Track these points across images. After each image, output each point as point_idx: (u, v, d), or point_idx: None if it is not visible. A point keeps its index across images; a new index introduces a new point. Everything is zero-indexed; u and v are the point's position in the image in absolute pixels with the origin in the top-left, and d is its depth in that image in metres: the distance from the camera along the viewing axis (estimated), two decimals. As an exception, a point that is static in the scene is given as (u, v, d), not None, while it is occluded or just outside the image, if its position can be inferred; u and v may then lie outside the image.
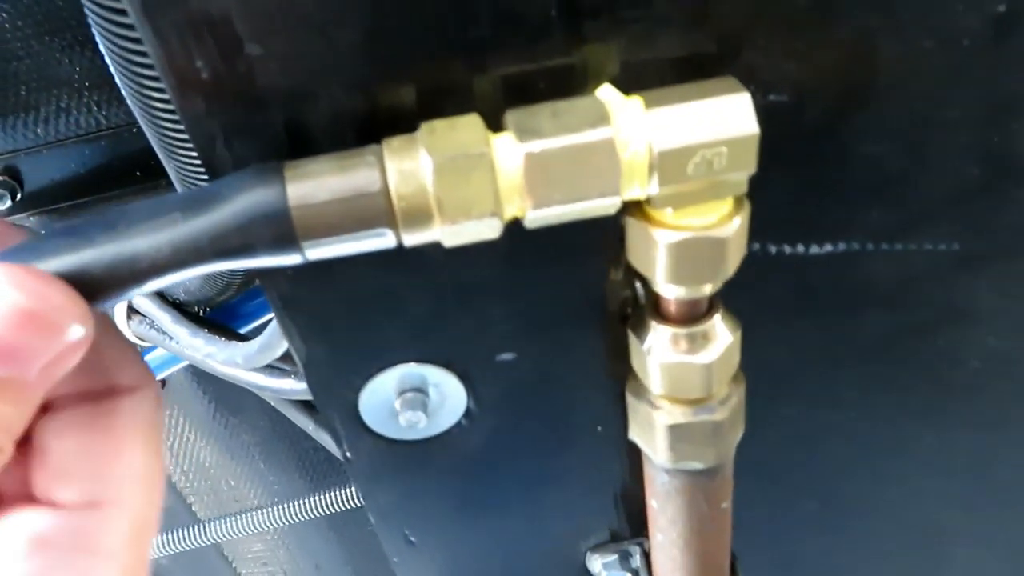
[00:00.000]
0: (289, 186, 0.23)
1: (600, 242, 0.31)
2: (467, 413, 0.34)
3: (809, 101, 0.27)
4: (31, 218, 0.85)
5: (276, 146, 0.26)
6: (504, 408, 0.35)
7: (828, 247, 0.31)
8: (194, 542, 0.99)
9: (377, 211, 0.23)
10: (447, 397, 0.34)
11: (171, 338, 0.60)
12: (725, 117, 0.24)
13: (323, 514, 0.98)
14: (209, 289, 0.56)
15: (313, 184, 0.23)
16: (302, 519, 0.99)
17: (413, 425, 0.33)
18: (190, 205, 0.23)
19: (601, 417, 0.36)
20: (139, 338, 0.63)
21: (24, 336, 0.22)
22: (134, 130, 0.82)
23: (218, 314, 0.62)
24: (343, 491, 0.97)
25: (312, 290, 0.29)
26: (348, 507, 0.96)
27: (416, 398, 0.33)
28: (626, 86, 0.25)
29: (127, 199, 0.85)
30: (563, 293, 0.32)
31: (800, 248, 0.31)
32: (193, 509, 1.16)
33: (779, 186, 0.29)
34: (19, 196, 0.83)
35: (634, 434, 0.33)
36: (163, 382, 0.71)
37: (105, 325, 0.26)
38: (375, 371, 0.32)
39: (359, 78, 0.25)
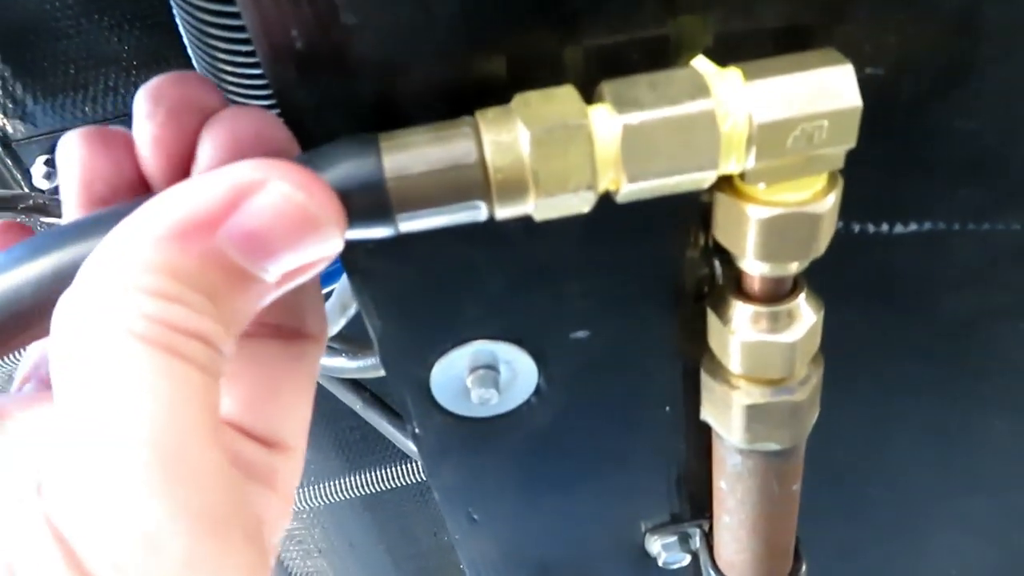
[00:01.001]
0: (385, 157, 0.23)
1: (678, 219, 0.30)
2: (537, 391, 0.34)
3: (907, 74, 0.26)
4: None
5: (366, 117, 0.26)
6: (574, 386, 0.34)
7: (913, 226, 0.31)
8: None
9: (473, 183, 0.23)
10: (518, 374, 0.34)
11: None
12: (827, 89, 0.23)
13: (361, 494, 0.99)
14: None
15: (409, 155, 0.23)
16: (339, 499, 1.00)
17: (485, 402, 0.33)
18: None
19: (670, 397, 0.36)
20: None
21: (286, 233, 0.20)
22: (180, 110, 0.82)
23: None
24: (380, 471, 0.98)
25: (390, 264, 0.29)
26: (386, 487, 0.97)
27: (488, 375, 0.33)
28: (720, 58, 0.25)
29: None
30: (639, 271, 0.31)
31: (884, 227, 0.31)
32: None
33: (867, 162, 0.28)
34: (67, 175, 0.84)
35: (707, 414, 0.33)
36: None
37: None
38: (449, 347, 0.32)
39: (453, 49, 0.25)
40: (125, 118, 0.82)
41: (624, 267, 0.31)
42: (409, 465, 0.98)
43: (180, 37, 0.81)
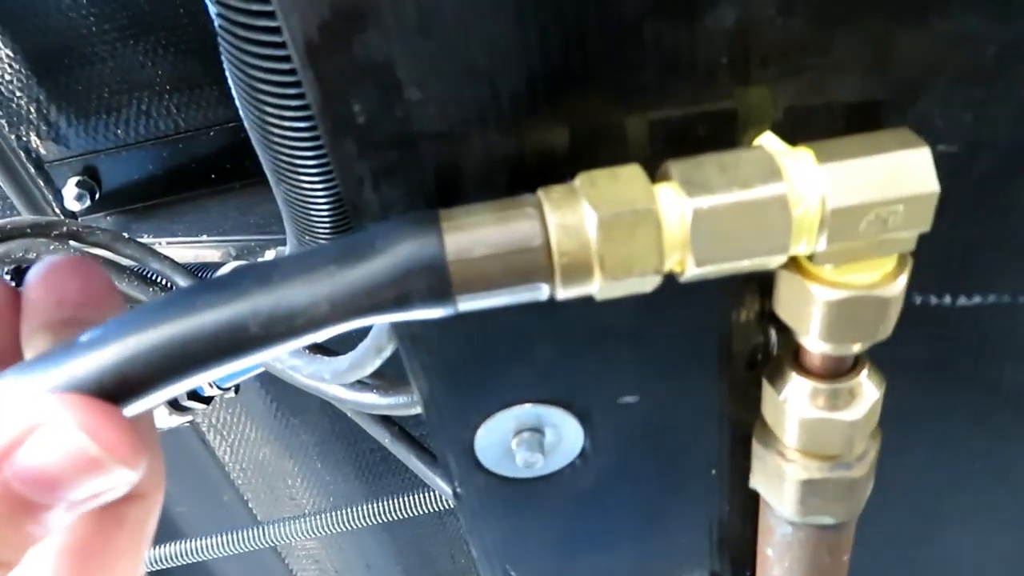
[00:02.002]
0: (447, 238, 0.22)
1: (735, 286, 0.30)
2: (582, 453, 0.34)
3: (980, 152, 0.26)
4: (108, 217, 0.87)
5: (424, 189, 0.25)
6: (620, 449, 0.34)
7: (977, 299, 0.30)
8: (252, 544, 1.00)
9: (536, 266, 0.23)
10: (563, 438, 0.33)
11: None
12: (903, 174, 0.23)
13: (382, 521, 0.98)
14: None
15: (472, 236, 0.22)
16: (360, 525, 0.99)
17: (530, 465, 0.33)
18: (345, 256, 0.23)
19: (716, 460, 0.35)
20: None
21: (70, 472, 0.21)
22: (211, 133, 0.83)
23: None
24: (400, 498, 0.97)
25: (442, 331, 0.29)
26: (407, 515, 0.96)
27: (533, 438, 0.32)
28: (788, 132, 0.24)
29: (201, 201, 0.86)
30: (692, 337, 0.31)
31: (947, 299, 0.30)
32: (249, 506, 1.18)
33: (934, 236, 0.28)
34: (97, 196, 0.84)
35: (757, 483, 0.32)
36: (236, 388, 0.71)
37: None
38: (495, 410, 0.32)
39: (515, 123, 0.24)
40: (155, 142, 0.82)
41: (676, 333, 0.30)
42: (429, 493, 0.97)
43: (213, 64, 0.81)
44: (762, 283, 0.29)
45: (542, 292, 0.23)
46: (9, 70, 0.77)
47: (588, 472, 0.34)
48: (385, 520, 0.99)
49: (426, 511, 0.96)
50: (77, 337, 0.22)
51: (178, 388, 0.23)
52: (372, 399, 0.56)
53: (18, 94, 0.78)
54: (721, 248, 0.23)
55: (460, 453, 0.33)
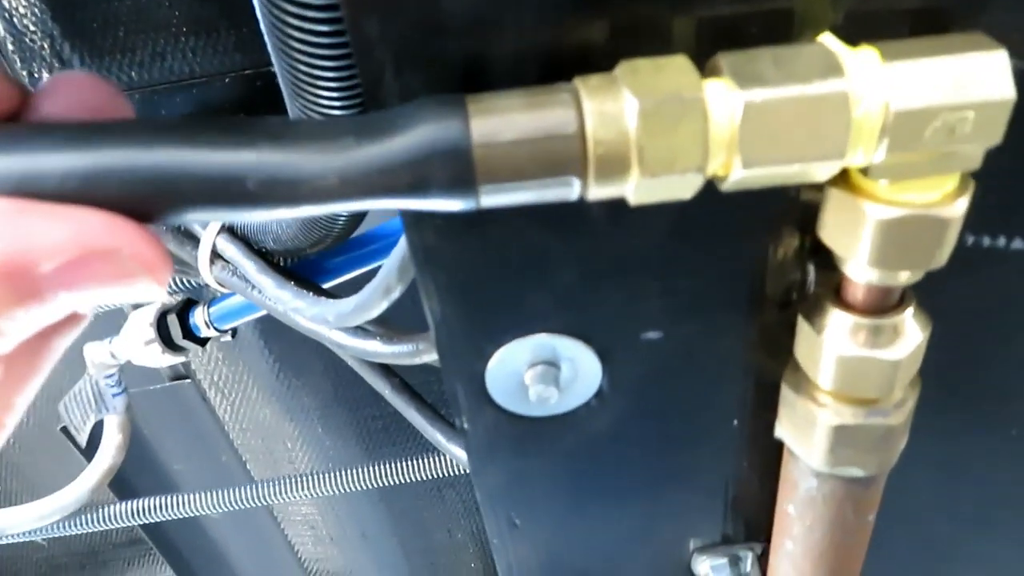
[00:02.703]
0: (473, 121, 0.21)
1: (773, 216, 0.28)
2: (599, 393, 0.32)
3: (1055, 70, 0.24)
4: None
5: (449, 80, 0.23)
6: (639, 391, 0.32)
7: (1034, 243, 0.28)
8: (247, 503, 0.99)
9: (569, 156, 0.21)
10: (580, 374, 0.31)
11: (254, 287, 0.59)
12: (976, 77, 0.21)
13: (379, 485, 0.97)
14: (303, 239, 0.54)
15: (500, 121, 0.21)
16: (356, 489, 0.98)
17: (544, 400, 0.31)
18: (363, 130, 0.21)
19: (739, 410, 0.33)
20: (220, 284, 0.62)
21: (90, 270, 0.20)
22: (226, 80, 0.81)
23: (300, 267, 0.60)
24: (399, 464, 0.95)
25: (460, 244, 0.27)
26: (405, 480, 0.95)
27: (548, 372, 0.31)
28: (847, 37, 0.22)
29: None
30: (724, 271, 0.29)
31: (1002, 241, 0.28)
32: (248, 467, 1.17)
33: (994, 167, 0.26)
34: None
35: (783, 431, 0.30)
36: (233, 331, 0.69)
37: None
38: (509, 338, 0.30)
39: (551, 9, 0.22)
40: (170, 85, 0.80)
41: (708, 266, 0.29)
42: (429, 460, 0.95)
43: (232, 8, 0.79)
44: (804, 215, 0.27)
45: (572, 188, 0.22)
46: (24, 4, 0.76)
47: (604, 414, 0.32)
48: (382, 485, 0.97)
49: (423, 478, 0.95)
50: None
51: (156, 221, 0.21)
52: (375, 347, 0.54)
53: (32, 29, 0.76)
54: (771, 149, 0.21)
55: (470, 384, 0.31)
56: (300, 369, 1.05)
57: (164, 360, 0.67)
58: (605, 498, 0.36)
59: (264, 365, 1.05)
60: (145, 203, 0.21)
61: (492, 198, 0.21)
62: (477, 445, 0.33)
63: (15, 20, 0.77)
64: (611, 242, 0.27)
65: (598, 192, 0.22)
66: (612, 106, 0.21)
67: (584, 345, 0.30)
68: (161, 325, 0.65)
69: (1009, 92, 0.21)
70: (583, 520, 0.37)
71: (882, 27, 0.23)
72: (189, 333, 0.66)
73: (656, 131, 0.20)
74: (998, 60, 0.21)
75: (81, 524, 0.87)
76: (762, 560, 0.38)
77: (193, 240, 0.58)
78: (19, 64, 0.79)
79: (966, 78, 0.21)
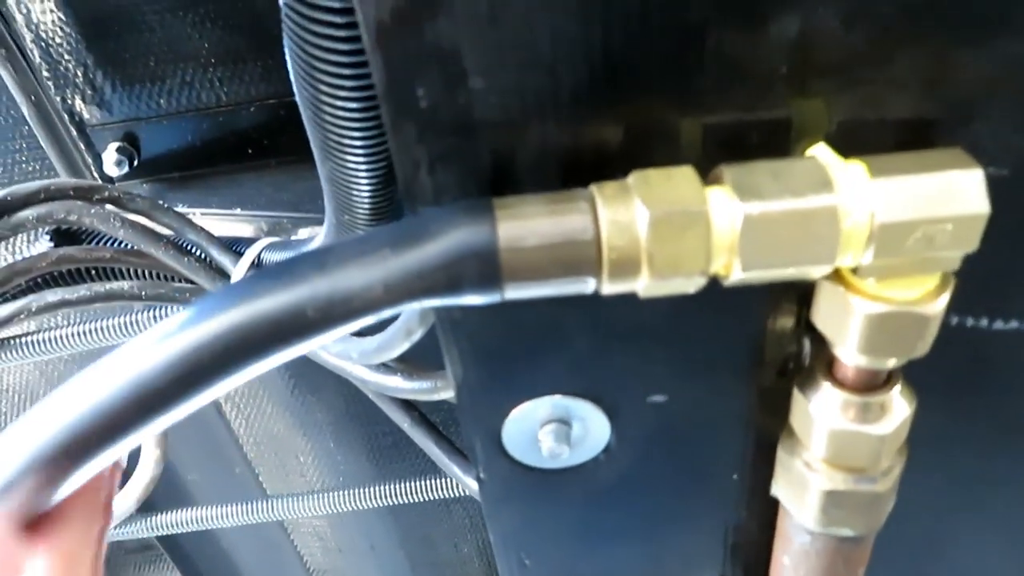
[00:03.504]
0: (500, 226, 0.23)
1: (772, 294, 0.30)
2: (607, 448, 0.34)
3: (1031, 177, 0.26)
4: (144, 185, 0.88)
5: (478, 177, 0.26)
6: (644, 447, 0.34)
7: (1014, 323, 0.30)
8: (261, 517, 1.01)
9: (585, 259, 0.23)
10: (590, 431, 0.34)
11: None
12: (954, 193, 0.23)
13: (389, 504, 0.99)
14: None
15: (524, 226, 0.23)
16: (369, 506, 1.00)
17: (556, 456, 0.33)
18: (399, 241, 0.23)
19: (739, 465, 0.35)
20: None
21: None
22: (251, 109, 0.84)
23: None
24: (409, 483, 0.98)
25: (482, 318, 0.29)
26: (414, 500, 0.97)
27: (561, 429, 0.33)
28: (840, 144, 0.24)
29: (236, 175, 0.87)
30: (725, 341, 0.31)
31: (984, 322, 0.30)
32: (260, 479, 1.19)
33: (976, 257, 0.28)
34: (136, 162, 0.86)
35: (779, 490, 0.33)
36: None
37: None
38: (525, 399, 0.32)
39: (573, 118, 0.25)
40: (196, 113, 0.83)
41: (711, 336, 0.31)
42: (439, 480, 0.98)
43: (258, 39, 0.82)
44: (800, 292, 0.30)
45: (588, 285, 0.24)
46: (60, 33, 0.79)
47: (611, 467, 0.35)
48: (393, 503, 1.00)
49: (434, 497, 0.97)
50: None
51: (241, 378, 0.24)
52: (396, 383, 0.57)
53: (67, 57, 0.79)
54: (768, 254, 0.23)
55: (487, 439, 0.34)
56: (314, 386, 1.07)
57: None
58: (610, 542, 0.39)
59: (279, 381, 1.08)
60: (226, 362, 0.23)
61: (516, 292, 0.24)
62: (492, 493, 0.36)
63: (51, 49, 0.80)
64: (621, 315, 0.30)
65: (611, 288, 0.24)
66: (625, 214, 0.23)
67: (594, 406, 0.33)
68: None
69: (984, 207, 0.23)
70: (588, 562, 0.40)
71: (872, 136, 0.25)
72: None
73: (664, 239, 0.23)
74: (974, 177, 0.23)
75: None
76: (759, 602, 0.40)
77: (224, 277, 0.60)
78: (53, 91, 0.82)
79: (945, 194, 0.23)
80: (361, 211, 0.44)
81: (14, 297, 0.67)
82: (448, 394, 0.56)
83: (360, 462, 1.16)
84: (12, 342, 0.71)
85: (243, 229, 0.83)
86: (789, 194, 0.23)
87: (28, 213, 0.65)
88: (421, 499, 0.98)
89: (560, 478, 0.35)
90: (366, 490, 0.97)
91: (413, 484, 0.98)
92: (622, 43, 0.23)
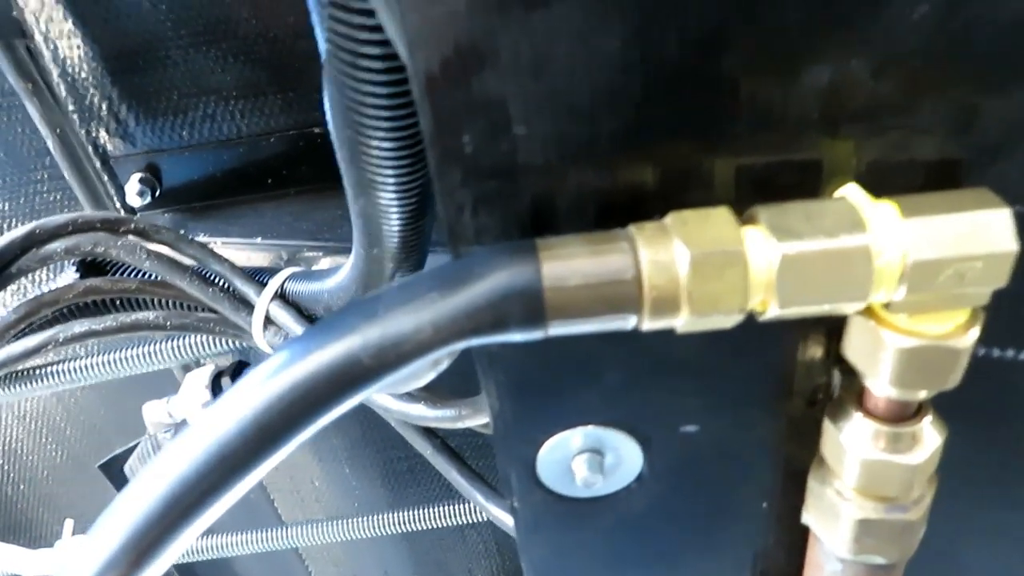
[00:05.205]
0: (544, 266, 0.24)
1: (802, 327, 0.31)
2: (639, 477, 0.35)
3: (1055, 215, 0.27)
4: (166, 215, 0.89)
5: (518, 218, 0.27)
6: (676, 477, 0.35)
7: (1039, 354, 0.31)
8: (276, 544, 1.01)
9: (627, 298, 0.24)
10: (623, 461, 0.34)
11: (304, 350, 0.62)
12: (983, 232, 0.24)
13: (404, 531, 0.99)
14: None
15: (567, 266, 0.24)
16: (384, 533, 1.00)
17: (589, 485, 0.34)
18: (445, 284, 0.24)
19: (768, 494, 0.36)
20: (272, 348, 0.65)
21: None
22: (271, 140, 0.85)
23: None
24: (425, 510, 0.98)
25: (519, 352, 0.30)
26: (430, 527, 0.97)
27: (594, 459, 0.34)
28: (870, 184, 0.25)
29: (257, 205, 0.89)
30: (756, 373, 0.32)
31: (1010, 352, 0.31)
32: (275, 505, 1.20)
33: (1003, 291, 0.29)
34: (158, 193, 0.87)
35: (810, 519, 0.33)
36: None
37: None
38: (559, 430, 0.33)
39: (610, 162, 0.26)
40: (217, 145, 0.85)
41: (742, 368, 0.32)
42: (454, 506, 0.98)
43: (279, 73, 0.84)
44: (829, 326, 0.30)
45: (629, 323, 0.25)
46: (85, 68, 0.81)
47: (643, 496, 0.35)
48: (409, 530, 1.00)
49: (449, 524, 0.97)
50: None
51: (307, 434, 0.25)
52: (420, 411, 0.57)
53: (92, 91, 0.81)
54: (804, 292, 0.24)
55: (522, 469, 0.34)
56: (331, 412, 1.07)
57: (212, 412, 0.70)
58: (640, 570, 0.39)
59: (296, 407, 1.08)
60: (295, 420, 0.24)
61: (559, 329, 0.25)
62: (525, 522, 0.36)
63: (76, 82, 0.82)
64: (654, 349, 0.30)
65: (650, 325, 0.25)
66: (664, 254, 0.24)
67: (627, 436, 0.33)
68: (216, 386, 0.69)
69: (1012, 246, 0.24)
70: (620, 589, 0.40)
71: (901, 176, 0.26)
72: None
73: (704, 278, 0.24)
74: (1003, 217, 0.24)
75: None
76: (788, 630, 0.41)
77: (247, 307, 0.61)
78: (78, 124, 0.84)
79: (975, 232, 0.24)
80: (391, 245, 0.45)
81: (40, 328, 0.68)
82: (472, 422, 0.57)
83: (375, 488, 1.16)
84: (38, 371, 0.72)
85: (263, 258, 0.84)
86: (823, 234, 0.24)
87: (56, 246, 0.66)
88: (437, 525, 0.98)
89: (592, 507, 0.36)
90: (382, 516, 0.98)
91: (429, 510, 0.98)
92: (659, 92, 0.24)
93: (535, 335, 0.25)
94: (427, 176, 0.39)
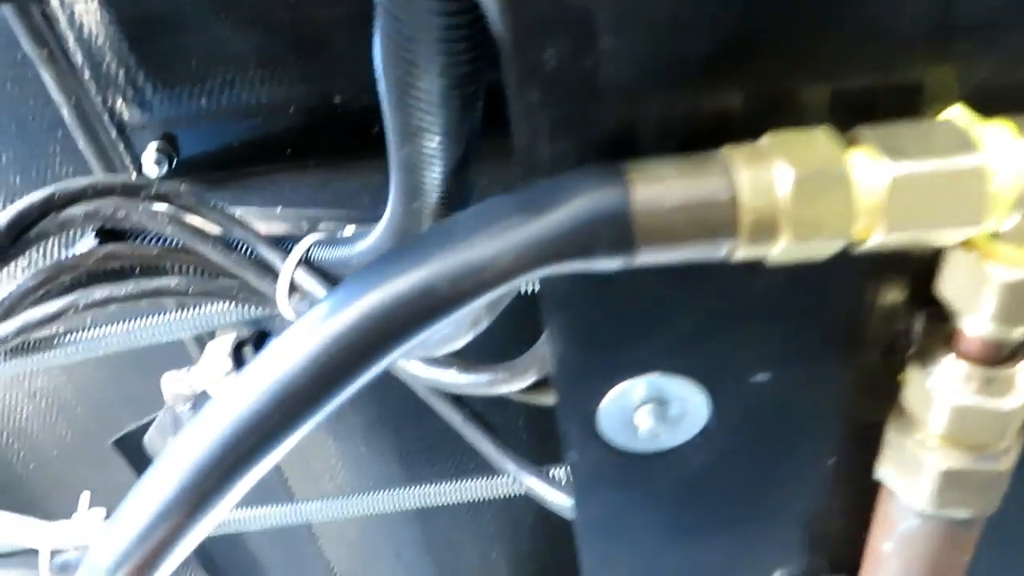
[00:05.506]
0: (635, 188, 0.22)
1: (884, 268, 0.29)
2: (704, 430, 0.33)
3: None
4: (182, 185, 0.88)
5: (598, 144, 0.25)
6: (742, 430, 0.33)
7: None
8: (288, 519, 1.00)
9: (723, 222, 0.22)
10: (688, 412, 0.33)
11: (331, 318, 0.60)
12: (1105, 153, 0.22)
13: (418, 507, 0.98)
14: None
15: (659, 188, 0.22)
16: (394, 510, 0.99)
17: (654, 437, 0.32)
18: (528, 207, 0.23)
19: (837, 449, 0.34)
20: (297, 315, 0.64)
21: None
22: (290, 110, 0.84)
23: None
24: (439, 485, 0.97)
25: (589, 294, 0.29)
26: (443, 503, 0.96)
27: (658, 409, 0.32)
28: (977, 106, 0.24)
29: (274, 176, 0.87)
30: (834, 318, 0.30)
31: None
32: (288, 484, 1.19)
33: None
34: (174, 163, 0.85)
35: (887, 472, 0.32)
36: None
37: None
38: (625, 378, 0.31)
39: (700, 81, 0.24)
40: (235, 114, 0.83)
41: (820, 313, 0.30)
42: (470, 483, 0.97)
43: (299, 42, 0.82)
44: (915, 268, 0.29)
45: (722, 250, 0.23)
46: (102, 34, 0.79)
47: (706, 450, 0.34)
48: (424, 505, 0.98)
49: (465, 500, 0.96)
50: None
51: (377, 370, 0.24)
52: (452, 376, 0.56)
53: (109, 57, 0.79)
54: (913, 217, 0.23)
55: (583, 419, 0.33)
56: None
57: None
58: (697, 530, 0.38)
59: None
60: (367, 353, 0.23)
61: (647, 257, 0.23)
62: (582, 478, 0.35)
63: (93, 49, 0.81)
64: (728, 289, 0.29)
65: (745, 253, 0.23)
66: (764, 176, 0.22)
67: (695, 385, 0.32)
68: (238, 356, 0.68)
69: None
70: (674, 551, 0.39)
71: (1008, 100, 0.25)
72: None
73: (807, 200, 0.22)
74: (1126, 137, 0.22)
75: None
76: (847, 593, 0.39)
77: (272, 273, 0.60)
78: (94, 91, 0.82)
79: (1095, 153, 0.22)
80: (432, 198, 0.43)
81: (59, 294, 0.66)
82: (507, 387, 0.55)
83: (391, 467, 1.15)
84: (56, 340, 0.70)
85: (283, 228, 0.82)
86: (934, 155, 0.22)
87: (76, 210, 0.64)
88: (453, 501, 0.97)
89: (653, 462, 0.34)
90: (396, 492, 0.96)
91: (443, 486, 0.97)
92: (757, 5, 0.23)
93: (621, 263, 0.23)
94: (475, 122, 0.38)
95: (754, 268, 0.28)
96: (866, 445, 0.33)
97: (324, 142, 0.85)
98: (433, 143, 0.38)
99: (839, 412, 0.33)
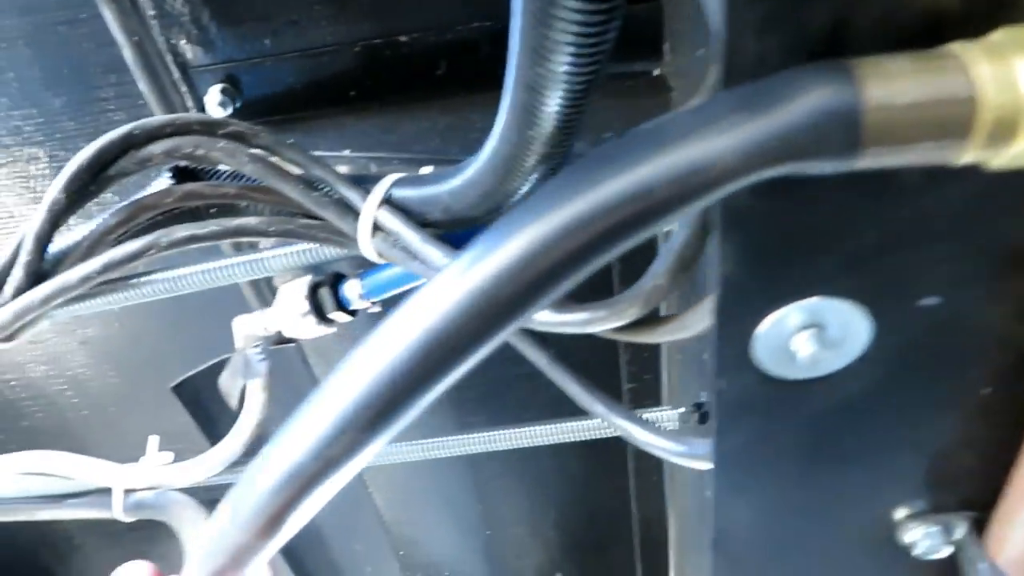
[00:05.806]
0: (867, 85, 0.21)
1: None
2: (862, 356, 0.32)
3: None
4: (259, 126, 0.87)
5: (810, 44, 0.24)
6: (902, 355, 0.33)
7: None
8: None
9: (960, 121, 0.21)
10: (848, 336, 0.32)
11: (416, 258, 0.60)
12: None
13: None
14: (480, 207, 0.55)
15: (891, 85, 0.21)
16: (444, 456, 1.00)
17: (812, 363, 0.32)
18: (752, 104, 0.22)
19: (995, 378, 0.34)
20: (380, 255, 0.63)
21: None
22: (356, 49, 0.82)
23: (455, 238, 0.61)
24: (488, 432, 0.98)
25: (767, 206, 0.28)
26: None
27: (819, 334, 0.31)
28: None
29: (340, 119, 0.86)
30: (1016, 237, 0.29)
31: None
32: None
33: None
34: (238, 104, 0.84)
35: (1055, 400, 0.31)
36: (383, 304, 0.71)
37: None
38: (789, 301, 0.31)
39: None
40: (300, 54, 0.82)
41: (1005, 233, 0.29)
42: (519, 430, 0.97)
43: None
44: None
45: (951, 153, 0.22)
46: (167, -30, 0.77)
47: (861, 378, 0.33)
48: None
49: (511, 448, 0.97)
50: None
51: (577, 278, 0.23)
52: (545, 314, 0.55)
53: (173, -5, 0.78)
54: None
55: (737, 344, 0.32)
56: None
57: (317, 331, 0.69)
58: (834, 463, 0.37)
59: (363, 334, 1.07)
60: (567, 263, 0.22)
61: (872, 161, 0.22)
62: (727, 405, 0.34)
63: (157, -14, 0.79)
64: (916, 205, 0.28)
65: (975, 156, 0.22)
66: (1006, 72, 0.21)
67: (860, 308, 0.31)
68: (314, 298, 0.68)
69: None
70: (805, 483, 0.38)
71: None
72: (339, 305, 0.68)
73: (1056, 96, 0.21)
74: None
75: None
76: (979, 528, 0.39)
77: (353, 213, 0.59)
78: (158, 29, 0.81)
79: None
80: (549, 125, 0.42)
81: (139, 234, 0.66)
82: (603, 326, 0.55)
83: (440, 417, 1.16)
84: (136, 280, 0.70)
85: (353, 170, 0.81)
86: None
87: (155, 148, 0.63)
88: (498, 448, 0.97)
89: (803, 389, 0.34)
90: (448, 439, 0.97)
91: (499, 434, 0.98)
92: None
93: (842, 166, 0.22)
94: (607, 48, 0.37)
95: (943, 181, 0.27)
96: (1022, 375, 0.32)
97: (389, 83, 0.84)
98: (564, 63, 0.37)
99: (1005, 339, 0.32)
